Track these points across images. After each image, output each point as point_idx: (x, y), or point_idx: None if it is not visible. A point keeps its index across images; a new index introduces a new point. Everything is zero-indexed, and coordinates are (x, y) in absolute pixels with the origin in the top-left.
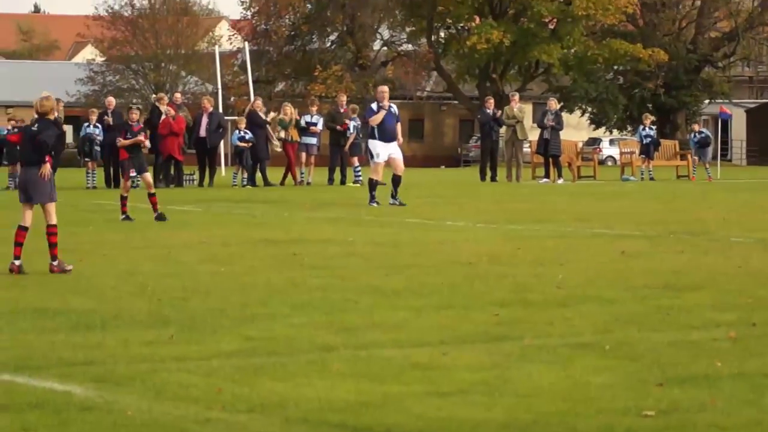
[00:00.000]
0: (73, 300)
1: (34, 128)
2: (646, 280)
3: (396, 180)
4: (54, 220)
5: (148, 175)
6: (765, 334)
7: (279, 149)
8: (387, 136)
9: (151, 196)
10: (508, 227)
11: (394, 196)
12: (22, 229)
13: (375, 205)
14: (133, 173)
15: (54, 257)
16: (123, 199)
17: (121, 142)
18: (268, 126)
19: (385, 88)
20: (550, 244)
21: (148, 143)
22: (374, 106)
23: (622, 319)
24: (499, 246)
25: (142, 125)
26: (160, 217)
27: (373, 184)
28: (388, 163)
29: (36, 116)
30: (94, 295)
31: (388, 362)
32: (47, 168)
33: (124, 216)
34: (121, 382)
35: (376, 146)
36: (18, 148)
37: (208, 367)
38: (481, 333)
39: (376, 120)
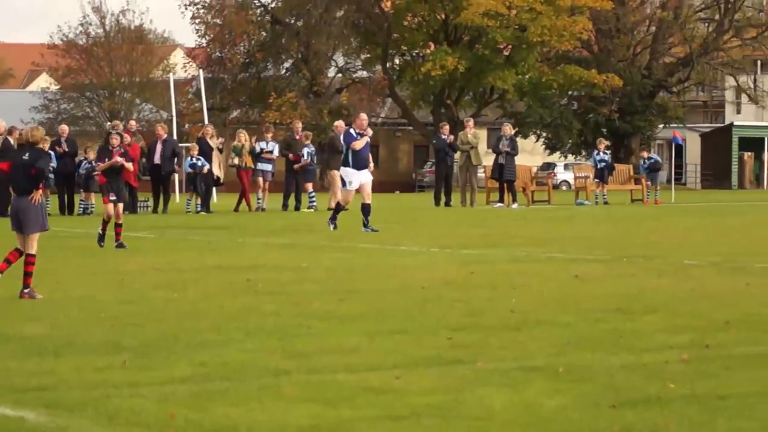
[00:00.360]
0: (27, 326)
1: (26, 157)
2: (599, 303)
3: (365, 208)
4: (34, 250)
5: (121, 206)
6: (718, 356)
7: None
8: (360, 164)
9: (117, 226)
10: (462, 252)
11: (366, 225)
12: (17, 251)
13: (332, 227)
14: (112, 197)
15: (27, 285)
16: (104, 223)
17: (99, 166)
18: (216, 153)
19: (365, 116)
20: (503, 268)
21: (129, 165)
22: (353, 131)
23: (576, 343)
24: (453, 270)
25: (122, 150)
26: (121, 246)
27: (339, 208)
28: (357, 190)
29: (22, 145)
30: (48, 321)
31: (341, 386)
32: (39, 194)
33: (99, 236)
34: (74, 407)
35: (349, 174)
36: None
37: (161, 392)
38: (434, 357)
39: (359, 145)
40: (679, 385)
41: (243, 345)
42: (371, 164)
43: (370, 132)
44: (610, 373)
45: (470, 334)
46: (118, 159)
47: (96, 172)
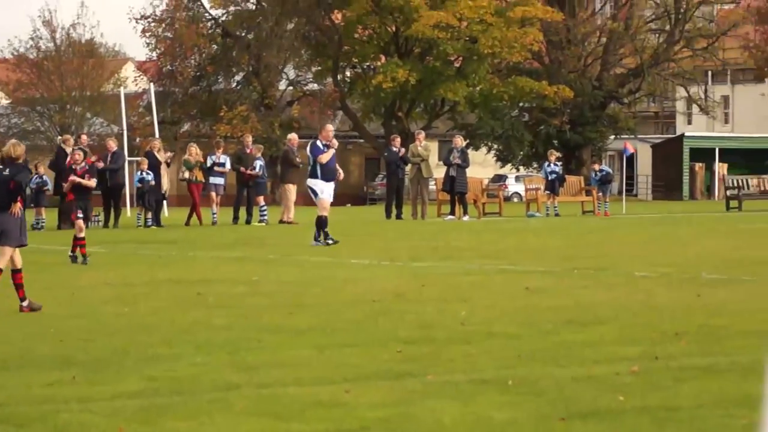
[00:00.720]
0: None
1: (6, 173)
2: (549, 315)
3: (319, 221)
4: (2, 265)
5: (84, 223)
6: (668, 367)
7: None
8: (328, 175)
9: (78, 239)
10: (413, 265)
11: (317, 238)
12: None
13: (330, 242)
14: (80, 214)
15: None
16: (77, 240)
17: (66, 185)
18: (163, 167)
19: (331, 127)
20: (454, 281)
21: (92, 183)
22: (319, 143)
23: (526, 355)
24: (404, 283)
25: (87, 167)
26: (74, 260)
27: (322, 221)
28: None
29: (4, 161)
30: None
31: (291, 400)
32: (18, 207)
33: (82, 258)
34: (23, 423)
35: (318, 184)
36: None
37: (111, 407)
38: (384, 370)
39: (325, 158)
40: (630, 397)
41: (193, 359)
42: (340, 172)
43: (335, 143)
44: (560, 385)
45: (421, 347)
46: (76, 179)
47: (47, 188)
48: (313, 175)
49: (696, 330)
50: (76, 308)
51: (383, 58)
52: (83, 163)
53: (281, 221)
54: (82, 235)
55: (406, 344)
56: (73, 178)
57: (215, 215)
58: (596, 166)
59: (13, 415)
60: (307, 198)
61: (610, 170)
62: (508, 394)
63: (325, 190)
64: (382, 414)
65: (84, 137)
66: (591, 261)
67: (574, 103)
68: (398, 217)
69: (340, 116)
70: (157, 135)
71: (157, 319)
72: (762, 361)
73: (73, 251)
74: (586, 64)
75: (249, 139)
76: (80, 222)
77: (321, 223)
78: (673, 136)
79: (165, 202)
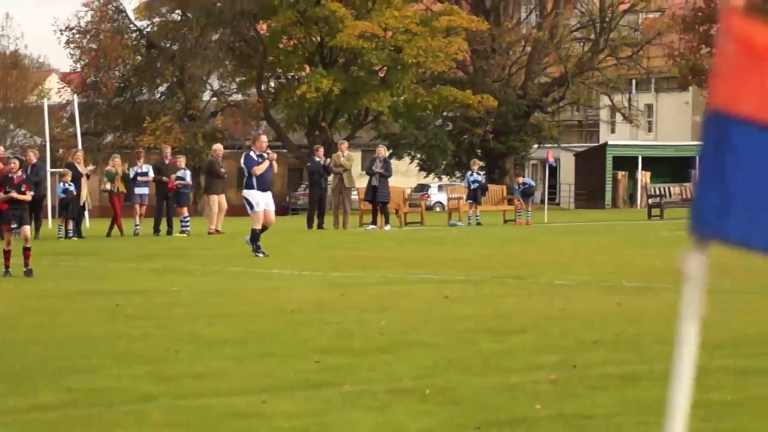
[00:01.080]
0: None
1: None
2: (469, 324)
3: (262, 231)
4: None
5: (28, 229)
6: (585, 376)
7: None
8: (264, 186)
9: (26, 249)
10: (333, 274)
11: (254, 242)
12: None
13: (261, 255)
14: (13, 224)
15: None
16: (5, 253)
17: (2, 197)
18: (83, 179)
19: (264, 138)
20: (374, 290)
21: (28, 197)
22: (253, 154)
23: (444, 364)
24: (324, 293)
25: (23, 177)
26: (29, 273)
27: (255, 235)
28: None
29: None
30: None
31: (208, 411)
32: None
33: (5, 271)
34: None
35: (253, 195)
36: None
37: (26, 420)
38: (301, 380)
39: (260, 170)
40: (546, 405)
41: (110, 370)
42: (272, 154)
43: (274, 155)
44: (478, 394)
45: (339, 357)
46: (15, 195)
47: None
48: (249, 186)
49: (614, 338)
50: None
51: (308, 69)
52: (20, 172)
53: (209, 232)
54: (9, 248)
55: (324, 354)
56: (13, 194)
57: (138, 226)
58: (519, 179)
59: None
60: (237, 209)
61: (532, 183)
62: (425, 403)
63: (261, 202)
64: (299, 424)
65: (0, 149)
66: (511, 270)
67: (498, 113)
68: (320, 227)
69: (264, 126)
70: (80, 146)
71: (74, 330)
72: None
73: (26, 264)
74: (510, 73)
75: (167, 150)
76: (8, 235)
77: (254, 236)
78: (597, 144)
79: (86, 213)
